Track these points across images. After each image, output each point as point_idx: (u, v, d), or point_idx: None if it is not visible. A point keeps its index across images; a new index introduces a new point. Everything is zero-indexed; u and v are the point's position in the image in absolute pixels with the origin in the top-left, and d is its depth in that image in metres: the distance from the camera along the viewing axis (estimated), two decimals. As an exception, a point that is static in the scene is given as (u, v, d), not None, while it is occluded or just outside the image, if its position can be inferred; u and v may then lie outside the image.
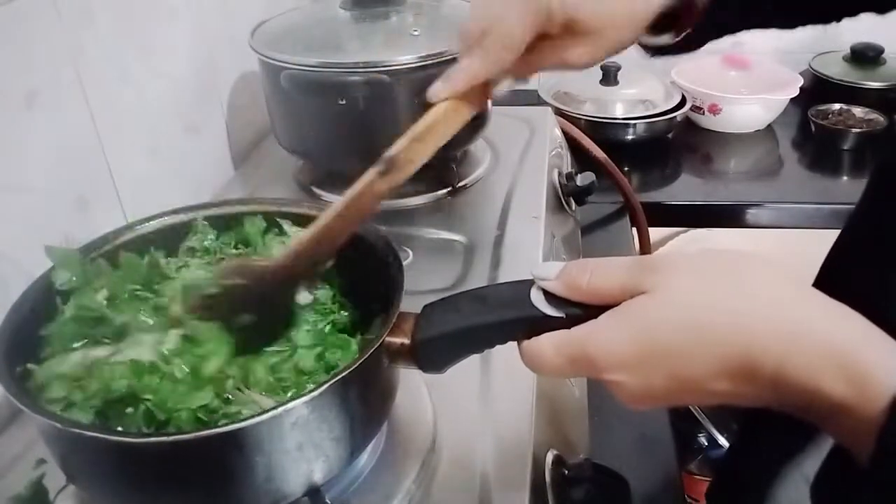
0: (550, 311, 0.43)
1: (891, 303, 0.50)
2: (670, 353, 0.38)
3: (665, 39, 0.57)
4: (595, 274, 0.41)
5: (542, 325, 0.43)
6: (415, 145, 0.51)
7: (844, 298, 0.37)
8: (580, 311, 0.42)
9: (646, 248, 1.25)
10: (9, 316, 0.49)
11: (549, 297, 0.43)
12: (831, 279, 0.72)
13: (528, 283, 0.44)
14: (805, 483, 0.72)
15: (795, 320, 0.36)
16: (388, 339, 0.47)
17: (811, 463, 0.72)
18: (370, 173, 0.50)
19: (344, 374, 0.44)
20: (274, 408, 0.42)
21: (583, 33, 0.52)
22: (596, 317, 0.41)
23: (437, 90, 0.53)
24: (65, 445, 0.46)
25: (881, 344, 0.35)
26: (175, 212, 0.61)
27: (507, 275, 0.77)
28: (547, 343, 0.42)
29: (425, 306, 0.48)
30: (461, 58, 0.53)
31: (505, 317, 0.45)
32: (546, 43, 0.53)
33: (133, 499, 0.46)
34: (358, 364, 0.44)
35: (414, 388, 0.61)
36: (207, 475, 0.44)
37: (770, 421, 0.67)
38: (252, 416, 0.41)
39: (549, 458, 0.58)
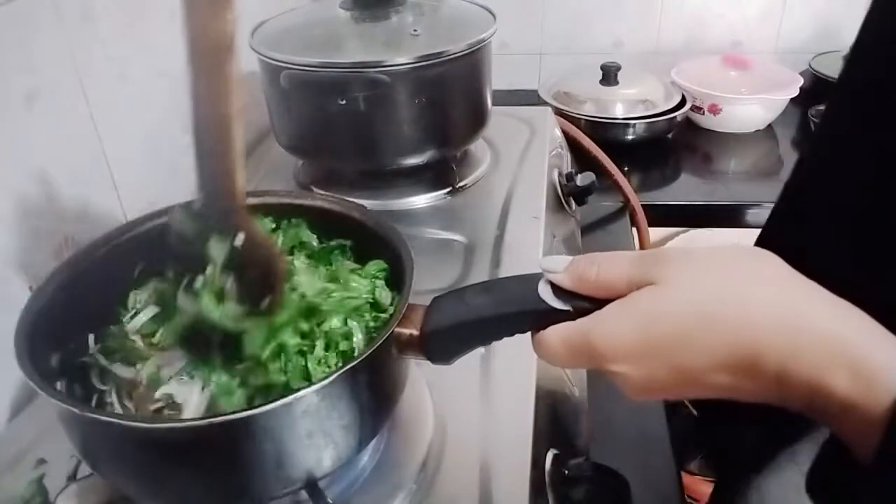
0: (558, 304, 0.43)
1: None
2: (673, 343, 0.38)
3: None
4: (603, 267, 0.42)
5: (550, 318, 0.43)
6: None
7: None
8: (588, 304, 0.42)
9: (646, 248, 1.25)
10: (29, 305, 0.49)
11: (557, 290, 0.44)
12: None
13: (536, 276, 0.45)
14: (800, 473, 0.71)
15: (800, 316, 0.36)
16: (398, 329, 0.47)
17: (807, 451, 0.72)
18: None
19: (354, 363, 0.44)
20: (284, 396, 0.42)
21: None
22: None
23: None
24: (81, 431, 0.46)
25: (887, 341, 0.35)
26: (175, 211, 0.61)
27: (507, 275, 0.77)
28: (553, 334, 0.42)
29: (434, 298, 0.49)
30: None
31: (513, 309, 0.45)
32: None
33: (144, 483, 0.47)
34: (368, 353, 0.45)
35: (415, 387, 0.61)
36: (219, 461, 0.44)
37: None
38: (263, 404, 0.42)
39: (549, 457, 0.58)
